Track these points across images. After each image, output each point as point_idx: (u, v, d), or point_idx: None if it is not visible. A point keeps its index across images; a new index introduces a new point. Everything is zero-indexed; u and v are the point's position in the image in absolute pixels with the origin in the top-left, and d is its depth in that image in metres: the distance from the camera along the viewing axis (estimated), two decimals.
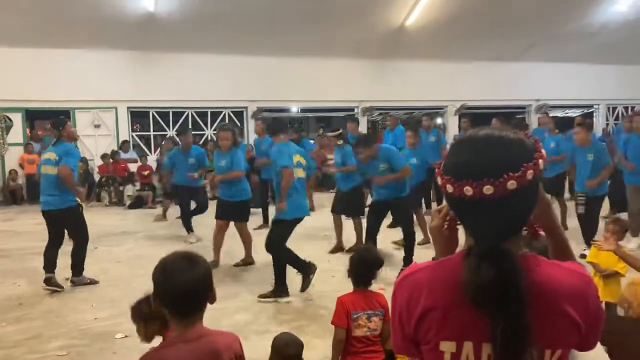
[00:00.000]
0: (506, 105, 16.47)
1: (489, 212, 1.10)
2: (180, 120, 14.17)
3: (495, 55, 15.47)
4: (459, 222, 1.30)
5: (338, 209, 7.42)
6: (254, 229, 7.86)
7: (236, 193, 6.62)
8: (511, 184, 1.08)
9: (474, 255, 1.10)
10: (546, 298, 1.09)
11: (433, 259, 1.32)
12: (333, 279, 5.72)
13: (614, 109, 17.98)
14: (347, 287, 3.39)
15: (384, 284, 4.22)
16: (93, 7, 11.31)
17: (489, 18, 13.39)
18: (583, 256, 5.40)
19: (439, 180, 1.18)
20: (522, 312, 1.05)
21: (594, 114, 17.69)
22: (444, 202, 1.36)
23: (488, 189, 1.08)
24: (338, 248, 7.24)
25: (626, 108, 17.04)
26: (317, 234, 8.01)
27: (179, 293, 1.74)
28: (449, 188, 1.14)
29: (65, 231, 5.99)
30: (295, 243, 5.68)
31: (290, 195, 5.34)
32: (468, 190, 1.09)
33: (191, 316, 1.78)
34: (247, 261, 6.65)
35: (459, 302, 1.09)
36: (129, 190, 12.42)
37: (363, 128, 15.56)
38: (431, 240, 1.39)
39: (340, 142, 7.45)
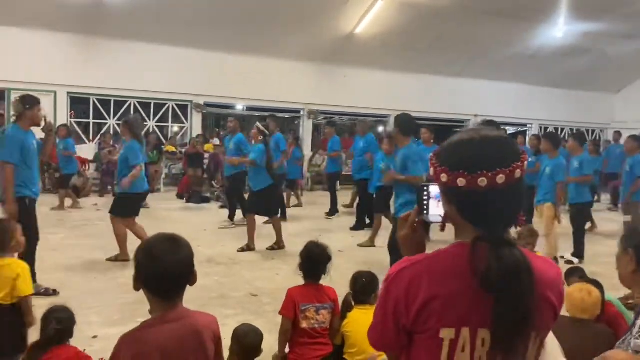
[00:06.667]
0: (447, 119, 17.05)
1: (500, 201, 1.22)
2: (122, 110, 13.81)
3: (438, 70, 16.02)
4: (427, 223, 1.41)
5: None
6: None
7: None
8: (518, 173, 1.21)
9: (491, 242, 1.19)
10: (537, 285, 1.21)
11: None
12: (277, 277, 5.81)
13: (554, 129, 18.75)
14: (292, 284, 3.49)
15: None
16: None
17: (433, 34, 13.92)
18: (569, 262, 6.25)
19: (443, 178, 1.25)
20: (531, 296, 1.17)
21: (527, 133, 18.56)
22: (407, 212, 1.44)
23: (501, 178, 1.20)
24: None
25: (556, 129, 17.99)
26: (260, 232, 8.05)
27: (164, 276, 1.76)
28: (461, 182, 1.22)
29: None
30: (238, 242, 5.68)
31: None
32: (483, 181, 1.20)
33: (173, 298, 1.81)
34: None
35: (460, 290, 1.20)
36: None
37: (308, 131, 15.76)
38: (401, 248, 1.44)
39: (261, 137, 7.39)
